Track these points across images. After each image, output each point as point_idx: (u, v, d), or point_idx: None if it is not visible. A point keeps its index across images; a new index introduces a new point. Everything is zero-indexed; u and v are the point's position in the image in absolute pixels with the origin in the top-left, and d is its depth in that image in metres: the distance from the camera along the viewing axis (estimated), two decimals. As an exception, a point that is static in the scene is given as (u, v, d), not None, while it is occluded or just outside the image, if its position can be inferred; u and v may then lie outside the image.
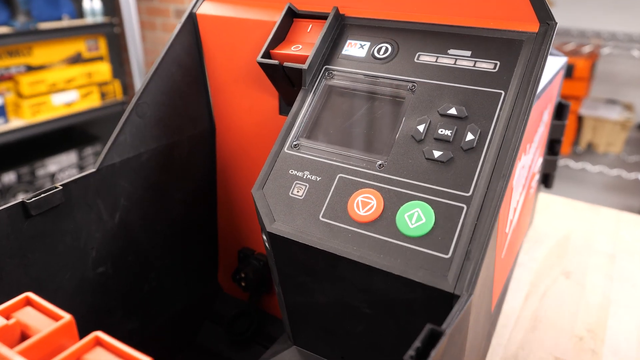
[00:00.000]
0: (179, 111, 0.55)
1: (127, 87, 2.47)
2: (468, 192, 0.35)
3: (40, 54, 2.07)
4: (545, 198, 1.00)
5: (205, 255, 0.66)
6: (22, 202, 0.42)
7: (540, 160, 0.73)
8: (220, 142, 0.60)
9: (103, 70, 2.26)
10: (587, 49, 2.01)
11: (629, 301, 0.71)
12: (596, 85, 2.16)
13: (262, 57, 0.45)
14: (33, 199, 0.42)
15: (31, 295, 0.30)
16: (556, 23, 0.39)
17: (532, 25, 0.39)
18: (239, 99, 0.55)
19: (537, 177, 0.75)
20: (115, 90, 2.34)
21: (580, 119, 2.12)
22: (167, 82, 0.53)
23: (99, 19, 2.25)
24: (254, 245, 0.63)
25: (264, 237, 0.41)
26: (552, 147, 0.80)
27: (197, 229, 0.63)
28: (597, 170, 2.15)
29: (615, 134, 2.09)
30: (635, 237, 0.86)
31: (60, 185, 0.45)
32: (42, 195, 0.43)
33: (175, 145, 0.56)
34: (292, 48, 0.46)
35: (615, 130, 2.08)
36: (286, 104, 0.51)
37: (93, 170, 0.48)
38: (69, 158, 2.28)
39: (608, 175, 2.16)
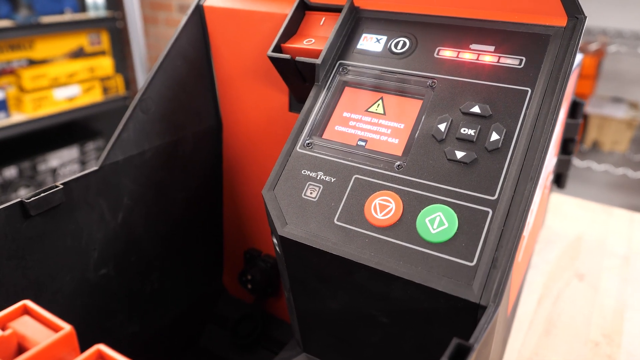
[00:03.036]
0: (185, 107, 0.53)
1: (129, 82, 2.44)
2: (494, 195, 0.33)
3: (42, 48, 2.05)
4: (557, 198, 0.98)
5: (210, 256, 0.64)
6: (21, 202, 0.40)
7: (554, 160, 0.71)
8: (226, 139, 0.58)
9: (105, 65, 2.23)
10: (593, 47, 1.99)
11: (645, 306, 0.69)
12: (602, 84, 2.14)
13: (273, 51, 0.43)
14: (32, 199, 0.40)
15: (29, 303, 0.28)
16: (585, 17, 0.37)
17: (559, 19, 0.37)
18: (247, 94, 0.53)
19: (550, 177, 0.73)
20: (118, 85, 2.32)
21: (586, 117, 2.10)
22: (173, 76, 0.51)
23: (102, 13, 2.22)
24: (261, 246, 0.61)
25: (275, 241, 0.39)
26: (566, 147, 0.78)
27: (201, 228, 0.61)
28: (602, 169, 2.13)
29: (621, 133, 2.07)
30: (649, 239, 0.84)
31: (61, 184, 0.43)
32: (42, 194, 0.41)
33: (180, 141, 0.54)
34: (304, 42, 0.44)
35: (620, 128, 2.06)
36: (297, 100, 0.49)
37: (95, 168, 0.46)
38: (70, 153, 2.27)
39: (613, 174, 2.14)
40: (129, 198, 0.49)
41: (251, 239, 0.61)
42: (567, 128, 0.75)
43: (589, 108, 2.06)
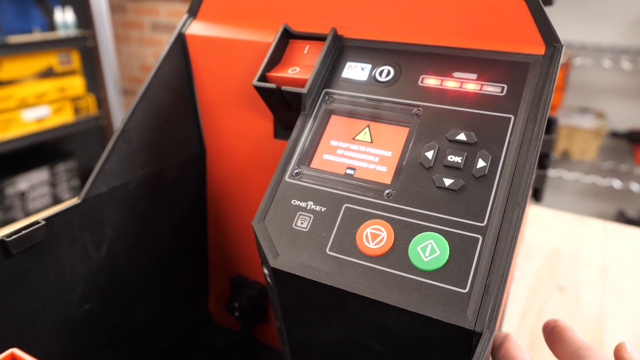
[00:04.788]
0: (168, 136, 0.52)
1: (101, 102, 2.40)
2: (483, 222, 0.34)
3: (10, 68, 2.00)
4: (532, 210, 1.00)
5: (196, 284, 0.63)
6: (2, 241, 0.39)
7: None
8: (211, 167, 0.57)
9: (76, 84, 2.19)
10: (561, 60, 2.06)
11: (623, 315, 0.71)
12: (570, 95, 2.21)
13: (259, 80, 0.43)
14: (13, 237, 0.39)
15: (17, 351, 0.27)
16: (562, 45, 0.38)
17: (538, 48, 0.38)
18: (231, 122, 0.53)
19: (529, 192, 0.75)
20: (89, 105, 2.27)
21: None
22: (155, 106, 0.50)
23: (72, 32, 2.19)
24: (247, 273, 0.60)
25: (266, 272, 0.38)
26: (542, 161, 0.80)
27: (187, 257, 0.60)
28: (573, 178, 2.19)
29: (589, 142, 2.14)
30: (623, 248, 0.87)
31: (43, 219, 0.42)
32: (23, 231, 0.40)
33: (163, 171, 0.53)
34: (289, 71, 0.44)
35: (588, 137, 2.12)
36: (281, 127, 0.49)
37: (78, 201, 0.45)
38: (39, 175, 2.20)
39: (583, 182, 2.21)
40: (112, 230, 0.48)
41: (237, 266, 0.61)
42: (543, 144, 0.77)
43: (558, 119, 2.12)
